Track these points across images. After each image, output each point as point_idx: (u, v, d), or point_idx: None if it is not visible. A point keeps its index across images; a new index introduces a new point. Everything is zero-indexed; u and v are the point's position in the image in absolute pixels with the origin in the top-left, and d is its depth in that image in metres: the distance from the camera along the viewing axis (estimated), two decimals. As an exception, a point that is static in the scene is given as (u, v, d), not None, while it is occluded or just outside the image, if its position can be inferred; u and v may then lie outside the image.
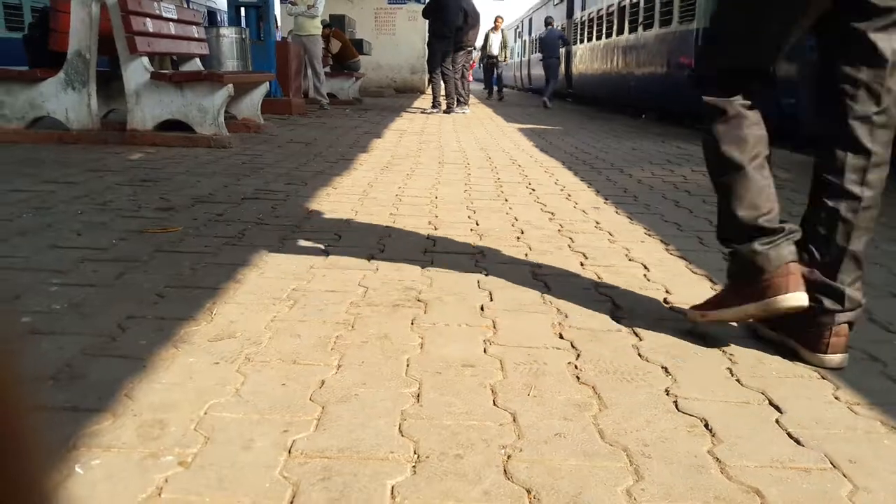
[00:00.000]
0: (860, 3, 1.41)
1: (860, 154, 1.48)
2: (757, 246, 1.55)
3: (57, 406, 1.23)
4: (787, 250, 1.54)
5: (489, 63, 16.74)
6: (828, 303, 1.52)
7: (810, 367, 1.50)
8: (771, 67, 1.56)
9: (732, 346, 1.62)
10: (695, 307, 1.73)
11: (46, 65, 5.17)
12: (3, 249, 2.26)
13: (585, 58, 15.16)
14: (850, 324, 1.53)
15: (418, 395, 1.33)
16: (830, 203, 1.53)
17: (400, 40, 17.75)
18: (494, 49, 16.32)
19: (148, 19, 5.31)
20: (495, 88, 17.20)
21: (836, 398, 1.36)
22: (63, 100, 5.10)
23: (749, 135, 1.56)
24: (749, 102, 1.56)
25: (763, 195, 1.57)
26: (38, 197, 3.08)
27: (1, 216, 2.70)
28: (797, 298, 1.50)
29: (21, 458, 0.27)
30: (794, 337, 1.57)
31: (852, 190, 1.50)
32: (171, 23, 5.77)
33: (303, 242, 2.48)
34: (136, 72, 5.11)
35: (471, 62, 11.04)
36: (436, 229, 2.76)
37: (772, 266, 1.53)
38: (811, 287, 1.52)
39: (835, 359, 1.50)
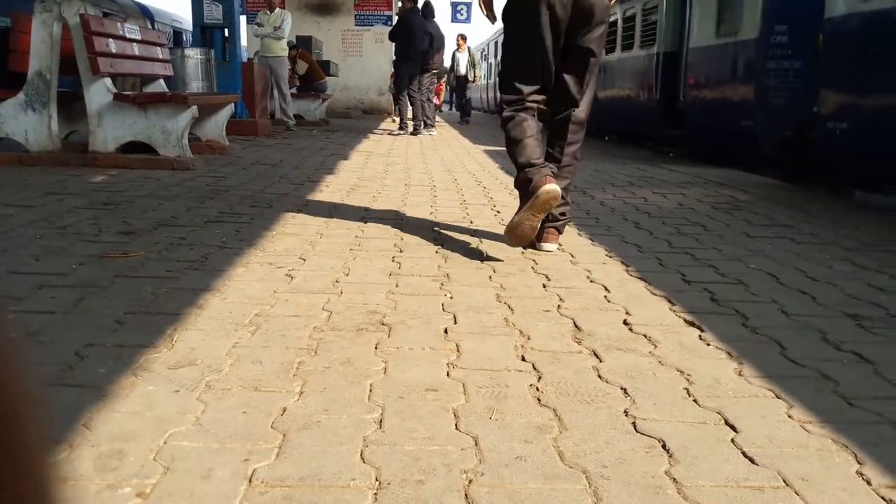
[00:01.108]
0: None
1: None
2: (528, 170, 2.66)
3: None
4: (546, 169, 2.66)
5: (458, 84, 15.88)
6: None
7: (765, 387, 1.54)
8: (545, 87, 2.82)
9: (690, 366, 1.65)
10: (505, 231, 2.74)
11: (5, 85, 5.09)
12: (-42, 275, 2.21)
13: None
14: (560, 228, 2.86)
15: (381, 421, 1.33)
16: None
17: (367, 62, 17.82)
18: (462, 69, 15.56)
19: (111, 40, 5.26)
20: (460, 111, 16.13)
21: (789, 416, 1.40)
22: (23, 121, 5.01)
23: (528, 127, 2.78)
24: (525, 106, 2.82)
25: (535, 152, 2.72)
26: (-6, 221, 3.02)
27: (-44, 241, 2.64)
28: (553, 188, 2.55)
29: (22, 453, 0.27)
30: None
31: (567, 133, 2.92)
32: (134, 43, 5.73)
33: (267, 266, 2.47)
34: (98, 93, 5.05)
35: (436, 84, 11.10)
36: (401, 251, 2.77)
37: (536, 176, 2.60)
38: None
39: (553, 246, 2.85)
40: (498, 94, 20.19)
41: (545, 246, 2.85)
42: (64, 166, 4.92)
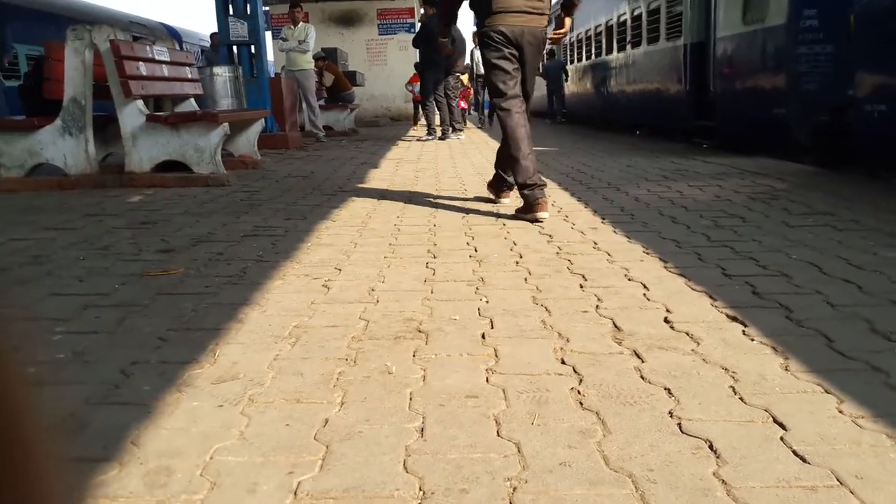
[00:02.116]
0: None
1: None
2: (530, 190, 3.54)
3: (62, 457, 1.23)
4: (543, 192, 3.55)
5: (480, 84, 15.28)
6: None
7: (813, 382, 1.50)
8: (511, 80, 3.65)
9: (735, 363, 1.62)
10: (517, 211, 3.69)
11: (43, 113, 5.23)
12: (4, 300, 2.27)
13: (577, 78, 15.30)
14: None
15: (422, 430, 1.33)
16: None
17: (392, 70, 17.91)
18: (482, 68, 15.35)
19: (141, 63, 5.37)
20: (486, 112, 15.26)
21: (839, 412, 1.36)
22: (61, 146, 5.14)
23: (520, 120, 3.64)
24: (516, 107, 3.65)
25: (533, 168, 3.60)
26: (38, 244, 3.10)
27: (0, 266, 2.71)
28: (546, 215, 3.51)
29: (24, 454, 0.27)
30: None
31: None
32: (164, 65, 5.84)
33: (303, 278, 2.49)
34: (131, 115, 5.16)
35: (460, 88, 11.09)
36: (435, 258, 2.77)
37: (540, 196, 3.53)
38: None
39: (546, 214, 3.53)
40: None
41: (540, 215, 3.58)
42: (102, 188, 5.03)
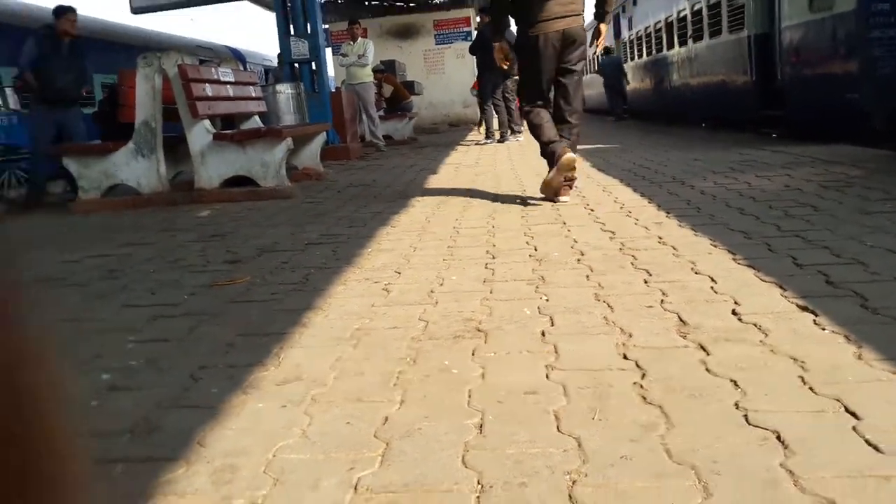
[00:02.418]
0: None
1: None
2: (551, 145, 3.99)
3: (134, 458, 1.29)
4: (563, 143, 3.98)
5: None
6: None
7: (888, 370, 1.43)
8: (547, 95, 4.14)
9: (805, 353, 1.56)
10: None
11: (117, 137, 5.48)
12: (83, 313, 2.39)
13: (638, 74, 15.04)
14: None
15: (481, 426, 1.33)
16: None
17: (450, 78, 18.02)
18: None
19: (207, 84, 5.57)
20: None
21: (920, 400, 1.29)
22: (134, 167, 5.38)
23: (544, 116, 4.07)
24: (542, 105, 4.11)
25: (552, 132, 4.02)
26: (114, 260, 3.25)
27: (80, 281, 2.86)
28: (571, 156, 3.91)
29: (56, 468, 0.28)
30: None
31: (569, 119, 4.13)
32: (228, 86, 6.04)
33: (364, 282, 2.53)
34: (199, 135, 5.35)
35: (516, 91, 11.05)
36: (494, 258, 2.77)
37: (558, 148, 3.94)
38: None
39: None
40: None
41: (562, 198, 4.09)
42: (173, 205, 5.23)
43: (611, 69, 15.38)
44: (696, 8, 10.24)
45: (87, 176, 5.40)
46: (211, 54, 14.24)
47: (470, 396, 1.47)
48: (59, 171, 5.93)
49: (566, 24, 3.98)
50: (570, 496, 1.07)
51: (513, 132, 10.14)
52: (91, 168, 5.40)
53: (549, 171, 4.05)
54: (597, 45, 4.49)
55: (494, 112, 10.20)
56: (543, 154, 4.11)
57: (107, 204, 5.34)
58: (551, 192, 4.07)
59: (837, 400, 1.31)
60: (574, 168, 3.97)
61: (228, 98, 6.02)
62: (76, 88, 6.17)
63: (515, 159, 7.39)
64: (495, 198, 4.53)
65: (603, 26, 4.30)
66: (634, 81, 15.35)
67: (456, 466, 1.18)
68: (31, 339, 0.28)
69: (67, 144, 5.74)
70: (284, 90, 8.01)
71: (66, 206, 5.57)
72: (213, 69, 6.01)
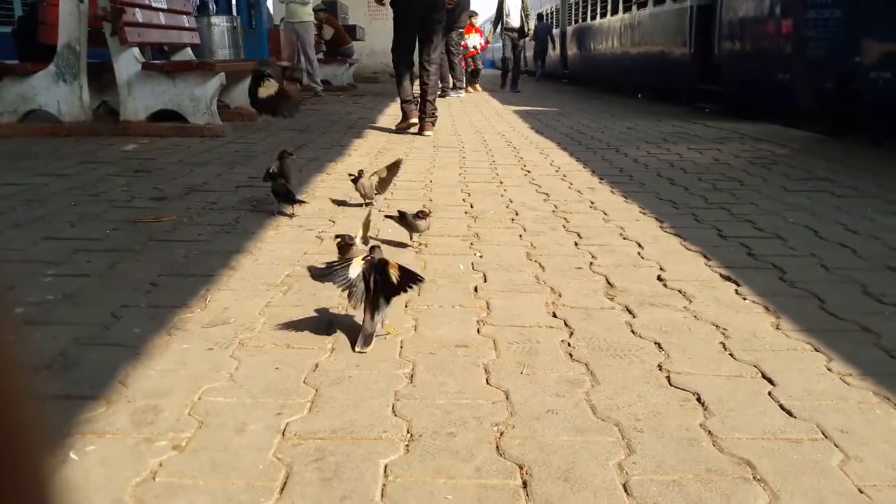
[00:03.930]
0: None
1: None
2: (405, 105, 5.48)
3: (51, 394, 1.24)
4: (413, 105, 5.49)
5: (509, 39, 11.84)
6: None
7: (803, 340, 1.51)
8: (412, 52, 5.48)
9: (726, 321, 1.62)
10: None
11: (37, 58, 5.14)
12: (-3, 242, 2.26)
13: (580, 39, 15.08)
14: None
15: (412, 376, 1.33)
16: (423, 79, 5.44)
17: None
18: (514, 20, 11.62)
19: (138, 10, 5.27)
20: (509, 75, 12.29)
21: (828, 370, 1.37)
22: (54, 92, 5.07)
23: (407, 72, 5.46)
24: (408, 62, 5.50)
25: (409, 92, 5.48)
26: (31, 190, 3.08)
27: (-6, 209, 2.70)
28: (416, 121, 5.47)
29: (21, 447, 0.27)
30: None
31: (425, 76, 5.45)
32: (161, 13, 5.73)
33: (297, 229, 2.48)
34: (127, 63, 5.08)
35: (462, 43, 10.87)
36: (430, 213, 2.75)
37: (410, 109, 5.48)
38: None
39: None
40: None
41: (426, 133, 5.36)
42: (96, 136, 4.97)
43: (542, 34, 16.01)
44: None
45: (2, 98, 5.05)
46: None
47: (402, 347, 1.47)
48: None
49: None
50: (497, 447, 1.09)
51: (454, 87, 10.04)
52: (7, 90, 5.05)
53: (401, 121, 5.58)
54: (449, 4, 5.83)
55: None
56: (402, 105, 5.60)
57: (23, 129, 5.03)
58: (400, 132, 5.54)
59: (755, 366, 1.38)
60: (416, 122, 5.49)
61: (160, 26, 5.72)
62: None
63: (456, 115, 7.34)
64: (434, 153, 4.49)
65: None
66: (576, 47, 15.39)
67: (385, 415, 1.18)
68: None
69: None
70: (220, 23, 7.68)
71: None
72: (144, -6, 5.68)
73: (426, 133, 5.31)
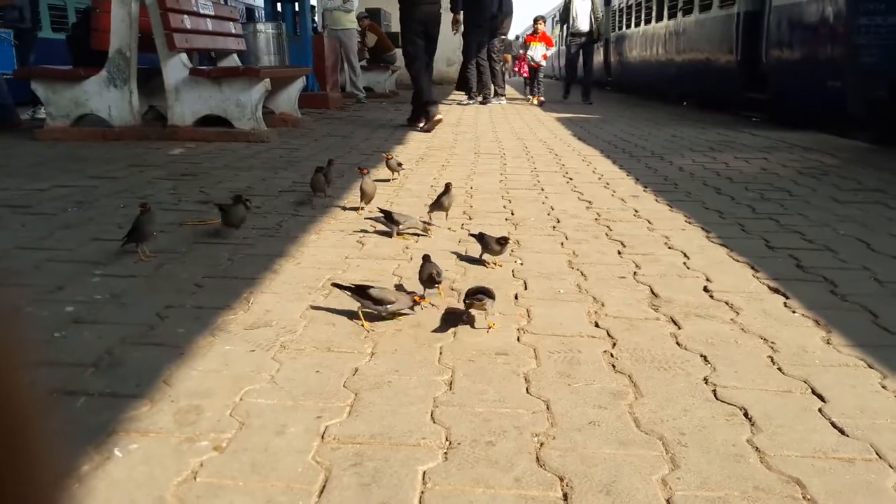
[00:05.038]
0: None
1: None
2: (431, 106, 6.23)
3: (97, 392, 1.27)
4: (437, 106, 6.43)
5: (575, 45, 10.67)
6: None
7: (856, 356, 1.46)
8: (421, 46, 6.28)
9: (774, 334, 1.58)
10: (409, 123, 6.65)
11: (89, 64, 5.29)
12: (48, 242, 2.32)
13: (624, 46, 14.95)
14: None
15: (451, 383, 1.33)
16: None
17: (436, 32, 17.67)
18: (582, 23, 10.42)
19: (186, 16, 5.39)
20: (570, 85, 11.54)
21: (882, 387, 1.32)
22: (106, 97, 5.21)
23: (423, 63, 6.33)
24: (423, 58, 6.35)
25: (431, 88, 6.47)
26: (82, 192, 3.16)
27: (47, 210, 2.77)
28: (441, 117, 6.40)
29: (23, 452, 0.26)
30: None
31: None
32: (208, 19, 5.85)
33: (339, 234, 2.50)
34: (175, 68, 5.19)
35: (503, 52, 10.80)
36: (470, 219, 2.75)
37: (433, 109, 6.23)
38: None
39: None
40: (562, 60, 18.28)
41: (423, 126, 6.14)
42: (145, 140, 5.09)
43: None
44: None
45: (56, 102, 5.21)
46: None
47: (441, 353, 1.47)
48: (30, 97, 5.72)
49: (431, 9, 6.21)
50: (537, 458, 1.07)
51: (496, 94, 10.03)
52: (61, 94, 5.21)
53: (424, 122, 6.21)
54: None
55: (478, 72, 10.04)
56: (417, 102, 6.47)
57: (75, 133, 5.18)
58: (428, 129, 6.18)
59: (805, 382, 1.34)
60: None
61: (207, 32, 5.84)
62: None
63: (497, 122, 7.33)
64: (475, 159, 4.49)
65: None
66: (619, 54, 15.25)
67: (424, 421, 1.18)
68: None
69: (35, 67, 5.53)
70: (265, 30, 7.81)
71: (32, 132, 5.38)
72: (192, 0, 5.81)
73: (423, 127, 6.16)
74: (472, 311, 1.64)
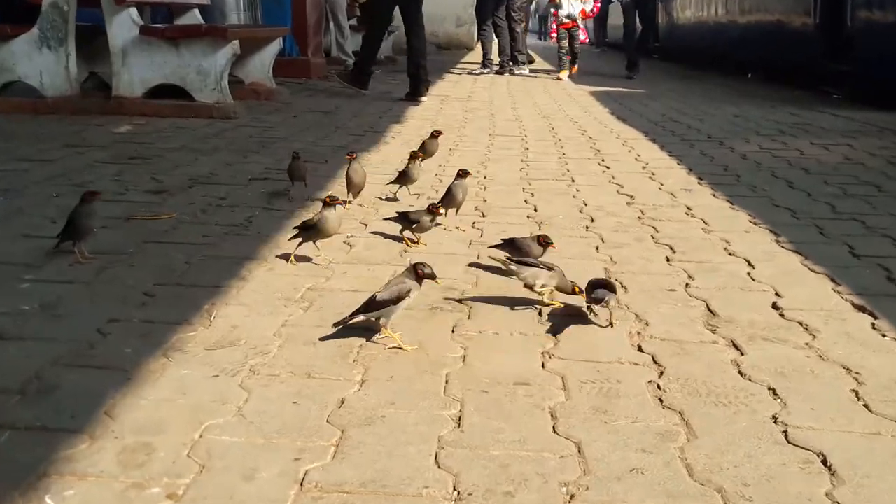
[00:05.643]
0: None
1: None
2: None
3: (23, 426, 1.27)
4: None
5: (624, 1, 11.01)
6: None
7: (961, 391, 1.46)
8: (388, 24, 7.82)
9: (860, 362, 1.58)
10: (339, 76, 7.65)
11: (17, 19, 5.30)
12: (-34, 239, 2.34)
13: (675, 4, 14.97)
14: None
15: (459, 419, 1.33)
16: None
17: (442, -14, 17.74)
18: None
19: (137, -37, 5.41)
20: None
21: None
22: (37, 61, 5.22)
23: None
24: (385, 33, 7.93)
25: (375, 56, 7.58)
26: (7, 177, 3.18)
27: (-37, 200, 2.80)
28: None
29: None
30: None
31: None
32: (164, -33, 5.88)
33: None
34: (122, 26, 5.21)
35: (528, 10, 10.81)
36: (483, 216, 2.76)
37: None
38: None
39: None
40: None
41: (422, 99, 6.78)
42: (84, 114, 5.12)
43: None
44: None
45: (-25, 67, 5.25)
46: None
47: (447, 382, 1.47)
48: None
49: None
50: (566, 513, 1.07)
51: (516, 62, 10.04)
52: (-19, 57, 5.24)
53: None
54: None
55: (494, 35, 10.05)
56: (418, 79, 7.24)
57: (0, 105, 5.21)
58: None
59: (897, 422, 1.34)
60: None
61: (163, -16, 5.87)
62: None
63: (517, 96, 7.36)
64: (489, 142, 4.50)
65: None
66: (673, 14, 15.26)
67: (427, 466, 1.18)
68: None
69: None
70: (234, -19, 7.84)
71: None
72: (145, -55, 5.84)
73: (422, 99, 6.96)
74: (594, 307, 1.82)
